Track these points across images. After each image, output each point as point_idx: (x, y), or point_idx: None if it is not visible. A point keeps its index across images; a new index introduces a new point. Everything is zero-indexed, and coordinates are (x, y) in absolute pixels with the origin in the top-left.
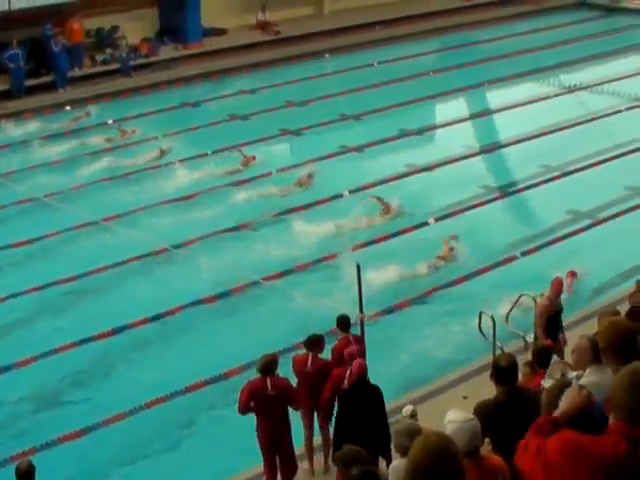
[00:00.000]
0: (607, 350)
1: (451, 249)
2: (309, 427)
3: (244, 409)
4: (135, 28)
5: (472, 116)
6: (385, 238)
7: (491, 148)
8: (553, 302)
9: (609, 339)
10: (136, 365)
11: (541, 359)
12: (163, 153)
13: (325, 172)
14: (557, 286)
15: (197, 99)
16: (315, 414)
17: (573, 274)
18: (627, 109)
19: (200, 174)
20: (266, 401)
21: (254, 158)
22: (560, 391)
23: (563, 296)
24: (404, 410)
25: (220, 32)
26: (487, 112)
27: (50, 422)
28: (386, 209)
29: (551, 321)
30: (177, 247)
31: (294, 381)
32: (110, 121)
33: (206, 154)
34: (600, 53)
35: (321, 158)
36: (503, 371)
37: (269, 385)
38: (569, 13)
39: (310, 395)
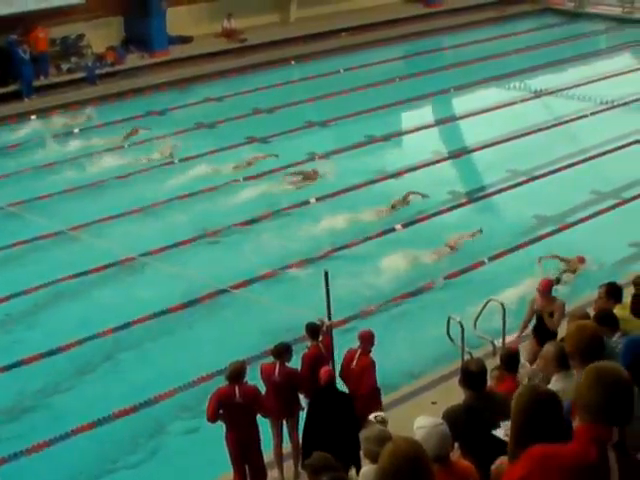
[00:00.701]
0: (574, 354)
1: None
2: (278, 435)
3: (213, 417)
4: (100, 36)
5: (439, 122)
6: (355, 244)
7: (458, 154)
8: (539, 299)
9: (576, 343)
10: (104, 375)
11: (509, 363)
12: (130, 162)
13: (292, 179)
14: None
15: (163, 107)
16: (284, 421)
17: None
18: (592, 113)
19: (167, 183)
20: (235, 409)
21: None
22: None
23: None
24: (372, 416)
25: (186, 40)
26: (454, 118)
27: (16, 434)
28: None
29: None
30: (144, 255)
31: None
32: (76, 130)
33: (172, 162)
34: (565, 58)
35: (289, 165)
36: (472, 376)
37: (237, 393)
38: (533, 19)
39: (278, 403)
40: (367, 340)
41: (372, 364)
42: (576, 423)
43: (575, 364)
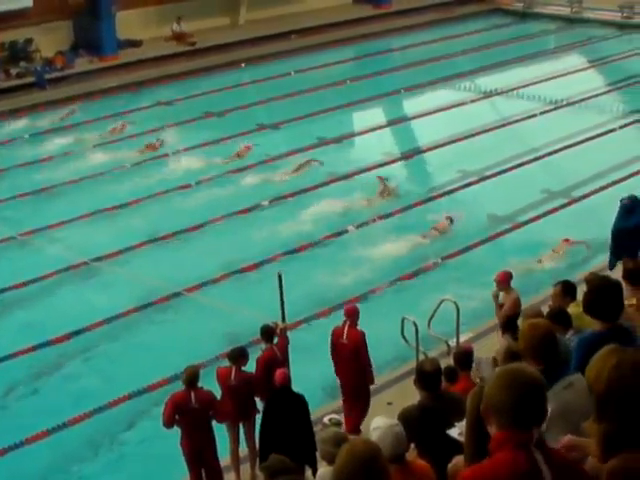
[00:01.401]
0: (527, 352)
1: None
2: (235, 438)
3: (169, 422)
4: (49, 41)
5: (389, 123)
6: (306, 247)
7: (409, 155)
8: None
9: (528, 342)
10: (58, 382)
11: (462, 362)
12: (81, 167)
13: (246, 183)
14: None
15: (115, 111)
16: (241, 425)
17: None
18: (542, 113)
19: (121, 186)
20: (190, 414)
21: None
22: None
23: None
24: (327, 419)
25: (136, 44)
26: (404, 119)
27: None
28: None
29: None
30: (96, 260)
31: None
32: (27, 135)
33: (125, 166)
34: (514, 58)
35: (242, 168)
36: (427, 376)
37: (193, 398)
38: (482, 20)
39: (235, 407)
40: (353, 314)
41: (363, 336)
42: (491, 429)
43: (528, 362)
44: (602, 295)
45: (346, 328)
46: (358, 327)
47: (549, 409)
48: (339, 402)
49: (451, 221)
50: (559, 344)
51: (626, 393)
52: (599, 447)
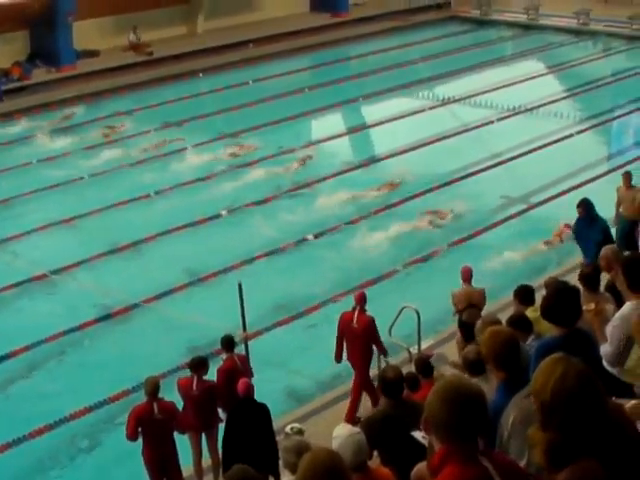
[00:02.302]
0: (489, 360)
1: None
2: (197, 448)
3: (133, 435)
4: (6, 51)
5: (348, 131)
6: (266, 254)
7: (368, 162)
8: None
9: (490, 349)
10: (18, 394)
11: (423, 370)
12: (39, 177)
13: (206, 193)
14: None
15: (73, 122)
16: (203, 435)
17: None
18: (499, 119)
19: (79, 198)
20: (153, 425)
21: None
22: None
23: None
24: (289, 428)
25: (93, 54)
26: (363, 127)
27: None
28: None
29: None
30: (55, 272)
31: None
32: None
33: (83, 178)
34: (472, 65)
35: (203, 179)
36: (389, 384)
37: (156, 409)
38: (439, 27)
39: (197, 417)
40: (362, 300)
41: (373, 320)
42: (437, 445)
43: (491, 369)
44: (559, 300)
45: (356, 313)
46: (367, 312)
47: (511, 417)
48: (301, 410)
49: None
50: (522, 351)
51: (571, 403)
52: (544, 456)
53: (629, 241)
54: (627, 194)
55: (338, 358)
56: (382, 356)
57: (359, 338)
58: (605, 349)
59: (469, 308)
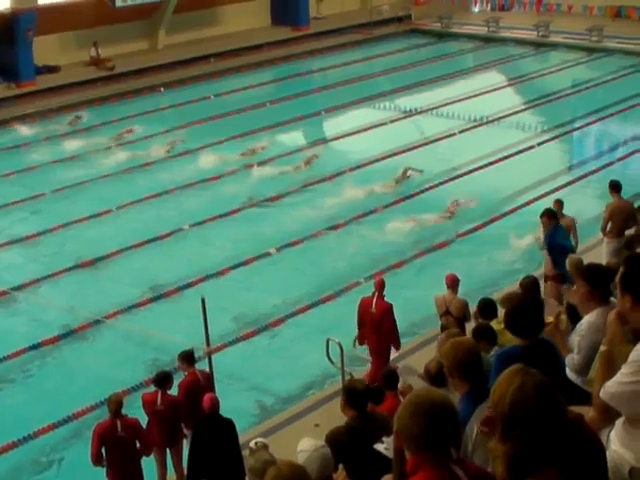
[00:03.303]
0: (451, 371)
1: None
2: (162, 464)
3: (97, 460)
4: None
5: (311, 145)
6: (227, 270)
7: (331, 176)
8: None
9: (452, 360)
10: None
11: (387, 382)
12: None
13: (169, 207)
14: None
15: (33, 139)
16: (168, 450)
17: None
18: (461, 131)
19: (41, 215)
20: (117, 442)
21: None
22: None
23: None
24: (253, 442)
25: (53, 69)
26: (325, 140)
27: None
28: None
29: None
30: (17, 289)
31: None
32: None
33: (44, 194)
34: (433, 78)
35: (165, 192)
36: (357, 395)
37: (119, 426)
38: (400, 40)
39: (162, 433)
40: (381, 286)
41: (391, 307)
42: (408, 454)
43: (453, 381)
44: (522, 312)
45: (375, 299)
46: (385, 298)
47: (475, 428)
48: (266, 424)
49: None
50: (483, 362)
51: (529, 414)
52: (505, 468)
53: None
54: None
55: (360, 342)
56: (393, 347)
57: (377, 323)
58: (572, 359)
59: (446, 314)
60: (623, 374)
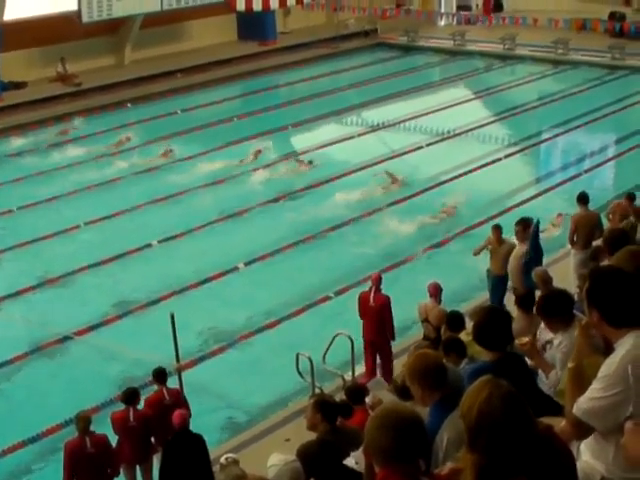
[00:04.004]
0: (421, 382)
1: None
2: None
3: (69, 475)
4: None
5: (278, 159)
6: (195, 285)
7: (300, 190)
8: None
9: (415, 372)
10: None
11: (354, 397)
12: None
13: (136, 223)
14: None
15: None
16: (138, 467)
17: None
18: (428, 144)
19: (4, 232)
20: (86, 460)
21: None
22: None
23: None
24: (224, 458)
25: (20, 85)
26: (293, 154)
27: None
28: None
29: None
30: None
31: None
32: None
33: (11, 211)
34: (400, 91)
35: (133, 208)
36: (330, 408)
37: (88, 443)
38: (367, 54)
39: (134, 449)
40: (378, 281)
41: (388, 299)
42: (378, 469)
43: (422, 394)
44: (489, 325)
45: (372, 293)
46: (382, 292)
47: (445, 438)
48: (236, 440)
49: None
50: (453, 373)
51: (495, 426)
52: (472, 478)
53: (498, 299)
54: (497, 249)
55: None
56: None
57: (377, 315)
58: (556, 375)
59: (425, 322)
60: (594, 389)
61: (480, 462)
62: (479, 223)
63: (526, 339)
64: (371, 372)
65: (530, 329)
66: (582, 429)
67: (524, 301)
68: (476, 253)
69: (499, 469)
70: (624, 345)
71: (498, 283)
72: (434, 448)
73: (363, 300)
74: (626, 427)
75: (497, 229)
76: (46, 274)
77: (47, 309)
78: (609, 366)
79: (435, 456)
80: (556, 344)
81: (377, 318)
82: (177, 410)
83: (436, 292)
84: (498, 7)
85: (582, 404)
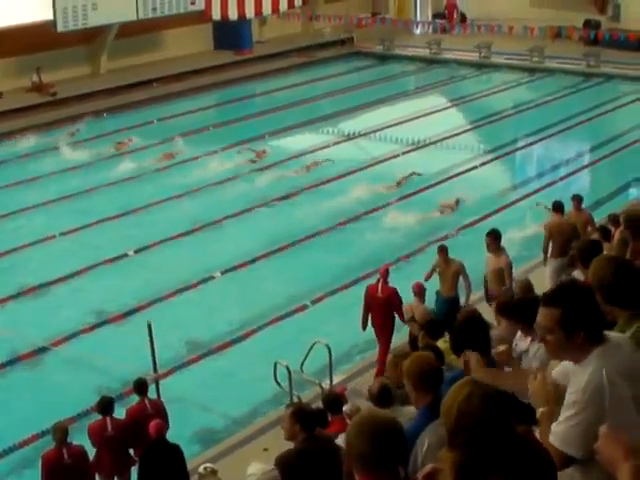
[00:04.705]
0: (415, 383)
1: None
2: None
3: None
4: None
5: (255, 169)
6: (174, 294)
7: (278, 198)
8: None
9: (416, 373)
10: None
11: (331, 406)
12: None
13: (112, 233)
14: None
15: None
16: (115, 478)
17: None
18: (404, 153)
19: None
20: (63, 471)
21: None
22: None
23: None
24: (202, 468)
25: None
26: (271, 164)
27: None
28: None
29: None
30: None
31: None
32: None
33: None
34: (376, 100)
35: (108, 218)
36: (310, 416)
37: (65, 454)
38: (343, 63)
39: (112, 459)
40: (386, 273)
41: (396, 290)
42: (358, 476)
43: (416, 395)
44: (467, 332)
45: (380, 285)
46: (389, 284)
47: (426, 442)
48: (214, 449)
49: None
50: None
51: (474, 423)
52: (451, 476)
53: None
54: (445, 270)
55: (364, 327)
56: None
57: (384, 306)
58: None
59: (412, 321)
60: (567, 418)
61: (459, 460)
62: (457, 230)
63: (503, 347)
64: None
65: (509, 337)
66: (562, 460)
67: (503, 309)
68: (427, 278)
69: (477, 467)
70: (589, 364)
71: (449, 305)
72: (414, 451)
73: (370, 292)
74: (600, 431)
75: (442, 250)
76: (21, 285)
77: (24, 319)
78: (577, 392)
79: (414, 459)
80: (532, 353)
81: (384, 308)
82: (153, 420)
83: (420, 291)
84: (463, 18)
85: (557, 435)
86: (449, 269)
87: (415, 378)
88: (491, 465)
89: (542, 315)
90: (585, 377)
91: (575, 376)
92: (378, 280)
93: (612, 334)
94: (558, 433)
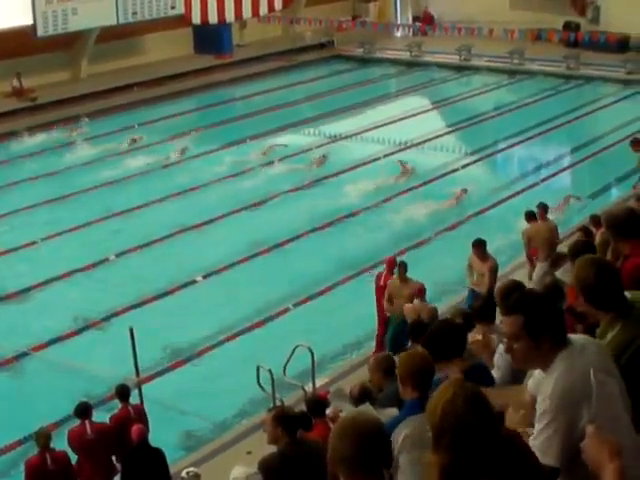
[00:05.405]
0: (407, 381)
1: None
2: None
3: None
4: None
5: (237, 173)
6: (151, 300)
7: (259, 202)
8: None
9: (409, 370)
10: None
11: (314, 409)
12: None
13: (94, 238)
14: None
15: None
16: None
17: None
18: (385, 156)
19: None
20: (46, 477)
21: None
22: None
23: None
24: (185, 472)
25: None
26: (252, 168)
27: None
28: None
29: None
30: None
31: None
32: None
33: None
34: (357, 103)
35: (88, 224)
36: (293, 420)
37: (49, 460)
38: (323, 66)
39: (93, 465)
40: (391, 264)
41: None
42: (341, 478)
43: (404, 389)
44: (444, 338)
45: (384, 274)
46: (394, 275)
47: (402, 434)
48: (197, 454)
49: None
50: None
51: (458, 425)
52: (437, 478)
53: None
54: (401, 288)
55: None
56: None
57: (382, 295)
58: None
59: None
60: (541, 430)
61: (444, 462)
62: (445, 229)
63: (479, 336)
64: (380, 344)
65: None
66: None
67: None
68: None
69: (462, 469)
70: (555, 370)
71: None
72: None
73: (377, 280)
74: (587, 430)
75: (402, 266)
76: (3, 290)
77: (4, 324)
78: (544, 401)
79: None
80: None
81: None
82: (135, 425)
83: (421, 293)
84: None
85: (536, 449)
86: (408, 288)
87: (406, 372)
88: (476, 467)
89: (506, 324)
90: (551, 384)
91: (542, 385)
92: (383, 271)
93: (576, 337)
94: (536, 447)
